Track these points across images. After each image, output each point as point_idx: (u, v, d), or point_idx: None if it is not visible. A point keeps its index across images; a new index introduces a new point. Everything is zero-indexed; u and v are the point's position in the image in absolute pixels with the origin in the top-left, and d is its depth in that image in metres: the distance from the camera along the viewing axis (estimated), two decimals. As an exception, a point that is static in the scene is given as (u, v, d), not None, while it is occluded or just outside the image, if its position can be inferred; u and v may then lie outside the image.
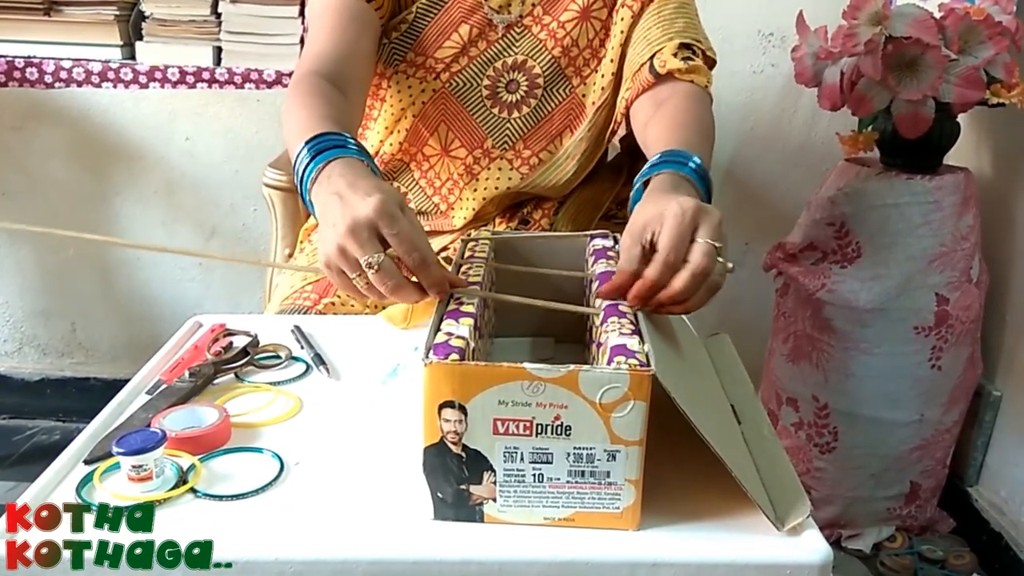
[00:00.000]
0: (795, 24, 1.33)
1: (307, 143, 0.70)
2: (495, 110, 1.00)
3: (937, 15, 1.25)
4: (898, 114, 1.25)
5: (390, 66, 0.99)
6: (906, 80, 1.23)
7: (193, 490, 0.57)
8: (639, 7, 0.98)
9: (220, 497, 0.56)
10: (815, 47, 1.31)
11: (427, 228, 1.03)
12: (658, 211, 0.61)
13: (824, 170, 1.45)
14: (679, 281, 0.59)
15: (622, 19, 0.99)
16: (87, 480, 0.58)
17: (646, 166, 0.74)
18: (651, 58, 0.95)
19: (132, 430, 0.60)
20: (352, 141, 0.71)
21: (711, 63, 0.99)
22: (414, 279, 0.61)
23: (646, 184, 0.71)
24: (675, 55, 0.93)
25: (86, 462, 0.60)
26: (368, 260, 0.59)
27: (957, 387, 1.38)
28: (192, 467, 0.59)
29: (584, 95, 1.01)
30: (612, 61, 1.00)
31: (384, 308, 0.87)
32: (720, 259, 0.60)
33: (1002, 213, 1.45)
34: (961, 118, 1.32)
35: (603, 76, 1.01)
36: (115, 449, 0.56)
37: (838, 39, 1.28)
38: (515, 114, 1.01)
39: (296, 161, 0.71)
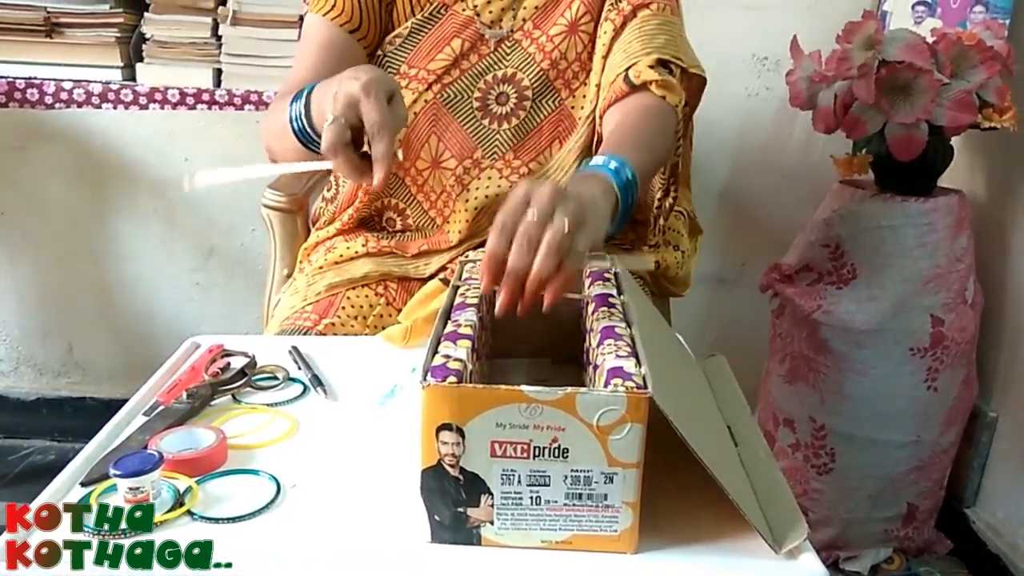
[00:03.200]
0: (789, 48, 1.35)
1: (291, 102, 0.83)
2: (485, 121, 1.02)
3: (930, 40, 1.26)
4: (892, 137, 1.26)
5: None
6: (899, 103, 1.24)
7: (190, 512, 0.57)
8: (621, 21, 0.99)
9: (216, 520, 0.56)
10: (809, 71, 1.33)
11: (425, 247, 1.04)
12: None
13: (819, 192, 1.46)
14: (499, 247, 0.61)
15: (604, 32, 1.00)
16: (84, 502, 0.58)
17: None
18: (627, 69, 0.95)
19: (129, 452, 0.60)
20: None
21: (702, 81, 0.99)
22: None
23: None
24: (651, 68, 0.93)
25: (83, 484, 0.60)
26: (331, 117, 0.72)
27: (953, 408, 1.38)
28: (189, 489, 0.59)
29: (573, 107, 1.03)
30: (596, 73, 1.01)
31: (383, 328, 0.88)
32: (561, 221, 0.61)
33: (996, 234, 1.46)
34: (954, 141, 1.34)
35: (592, 89, 1.02)
36: (112, 471, 0.56)
37: (832, 63, 1.29)
38: (504, 125, 1.02)
39: (292, 121, 0.83)
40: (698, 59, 1.00)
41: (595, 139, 1.03)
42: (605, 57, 1.00)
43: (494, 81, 1.01)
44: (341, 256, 1.03)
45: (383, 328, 0.88)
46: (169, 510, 0.56)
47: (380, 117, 0.71)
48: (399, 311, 0.95)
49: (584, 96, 1.02)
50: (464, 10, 1.00)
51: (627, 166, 0.76)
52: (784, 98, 1.40)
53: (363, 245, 1.03)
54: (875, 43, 1.24)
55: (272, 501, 0.58)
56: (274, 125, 0.89)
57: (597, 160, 0.78)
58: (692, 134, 1.13)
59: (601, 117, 0.98)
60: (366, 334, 0.95)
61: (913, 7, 1.50)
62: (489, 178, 1.02)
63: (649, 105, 0.92)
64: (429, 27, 1.00)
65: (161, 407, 0.70)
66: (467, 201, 1.03)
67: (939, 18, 1.48)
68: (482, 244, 1.04)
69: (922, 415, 1.36)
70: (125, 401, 0.72)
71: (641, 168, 0.78)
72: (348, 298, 0.99)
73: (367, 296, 1.00)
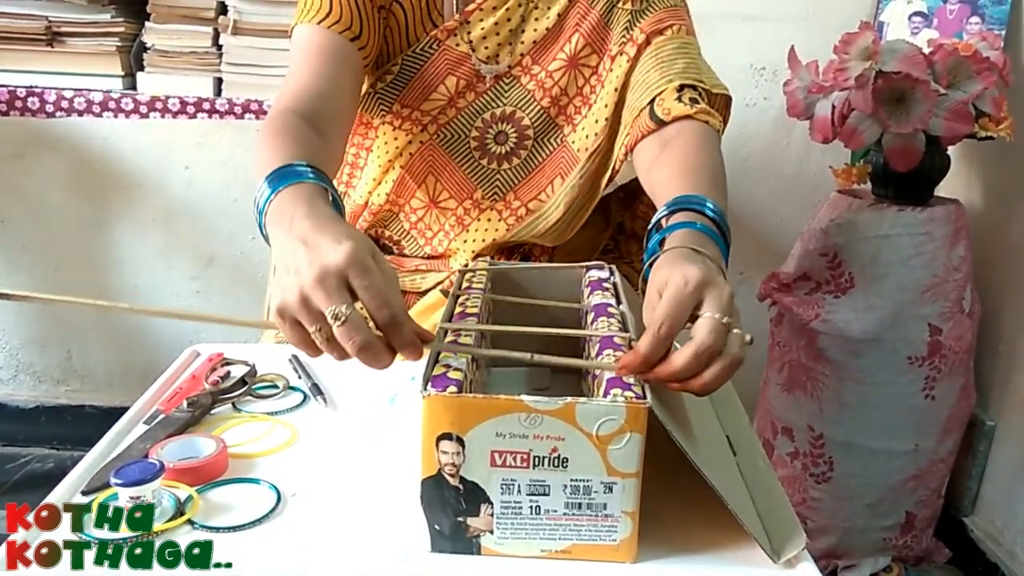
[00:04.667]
0: (787, 58, 1.36)
1: (266, 178, 0.66)
2: (483, 161, 0.99)
3: (926, 50, 1.27)
4: (889, 147, 1.27)
5: (376, 116, 0.98)
6: (896, 114, 1.25)
7: (190, 522, 0.57)
8: (635, 51, 0.94)
9: (217, 529, 0.56)
10: (807, 81, 1.34)
11: (423, 266, 1.02)
12: (665, 280, 0.58)
13: (817, 201, 1.47)
14: (680, 358, 0.55)
15: (619, 66, 0.95)
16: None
17: (657, 214, 0.71)
18: (651, 103, 0.90)
19: (130, 461, 0.60)
20: (312, 169, 0.67)
21: (727, 100, 0.95)
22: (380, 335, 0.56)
23: (662, 242, 0.67)
24: (678, 99, 0.88)
25: (84, 493, 0.60)
26: (335, 311, 0.54)
27: (951, 417, 1.38)
28: (189, 498, 0.59)
29: (574, 142, 0.98)
30: (606, 106, 0.96)
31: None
32: (737, 330, 0.57)
33: (993, 244, 1.47)
34: (951, 151, 1.34)
35: (596, 122, 0.97)
36: (113, 480, 0.56)
37: (829, 73, 1.30)
38: (504, 165, 0.99)
39: (256, 197, 0.66)
40: (719, 78, 0.96)
41: (607, 175, 0.98)
42: (618, 89, 0.95)
43: (492, 120, 0.97)
44: None
45: None
46: (170, 519, 0.56)
47: (387, 304, 0.55)
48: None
49: (583, 129, 0.98)
50: (458, 45, 0.95)
51: (716, 209, 0.70)
52: (782, 108, 1.40)
53: None
54: (872, 54, 1.25)
55: (272, 510, 0.59)
56: (262, 160, 0.71)
57: (686, 205, 0.70)
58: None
59: (627, 154, 0.93)
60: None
61: (910, 18, 1.52)
62: (489, 219, 1.01)
63: (693, 131, 0.86)
64: (421, 63, 0.95)
65: (162, 416, 0.70)
66: (465, 242, 1.01)
67: (935, 29, 1.49)
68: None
69: (920, 424, 1.36)
70: (124, 409, 0.72)
71: (721, 204, 0.72)
72: None
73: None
